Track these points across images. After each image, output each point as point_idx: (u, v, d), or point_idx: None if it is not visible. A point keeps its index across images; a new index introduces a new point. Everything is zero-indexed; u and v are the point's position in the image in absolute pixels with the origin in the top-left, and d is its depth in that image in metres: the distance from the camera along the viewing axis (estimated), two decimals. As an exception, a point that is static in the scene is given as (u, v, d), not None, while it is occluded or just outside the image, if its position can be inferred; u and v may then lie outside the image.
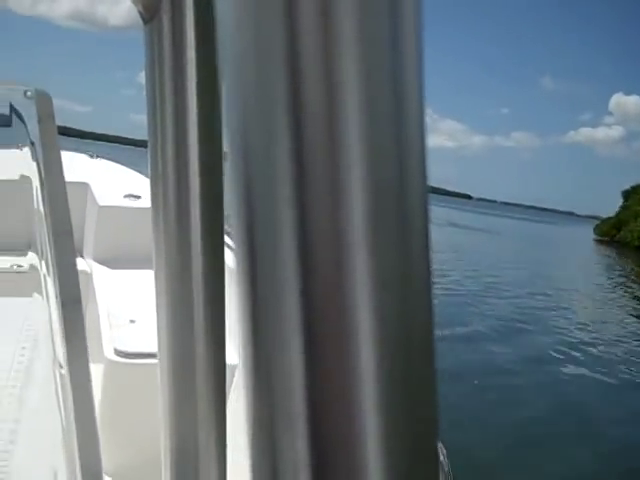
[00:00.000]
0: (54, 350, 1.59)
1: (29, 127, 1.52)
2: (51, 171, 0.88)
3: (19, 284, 2.98)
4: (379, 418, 0.23)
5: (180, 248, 0.65)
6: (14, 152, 3.62)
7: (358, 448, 0.23)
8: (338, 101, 0.22)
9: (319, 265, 0.23)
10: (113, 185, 3.73)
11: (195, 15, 0.56)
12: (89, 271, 3.23)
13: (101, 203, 3.42)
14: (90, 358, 1.75)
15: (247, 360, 0.25)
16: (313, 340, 0.23)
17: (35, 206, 1.44)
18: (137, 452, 2.11)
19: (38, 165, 1.26)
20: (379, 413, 0.23)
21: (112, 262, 3.20)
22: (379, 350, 0.23)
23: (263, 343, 0.24)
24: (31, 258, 3.30)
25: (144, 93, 0.61)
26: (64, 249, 0.56)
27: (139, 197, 3.47)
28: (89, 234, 3.50)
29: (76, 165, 4.08)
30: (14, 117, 1.76)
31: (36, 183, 1.41)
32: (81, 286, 2.74)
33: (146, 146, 0.61)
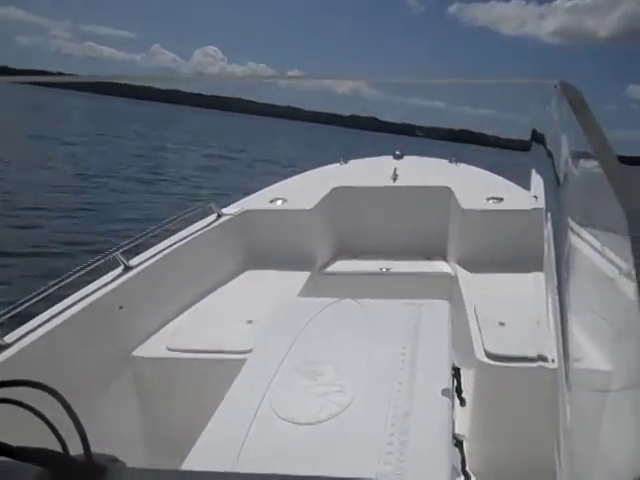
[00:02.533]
0: (449, 351, 1.67)
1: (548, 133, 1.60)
2: (602, 151, 0.86)
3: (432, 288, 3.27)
4: None
5: None
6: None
7: None
8: None
9: None
10: (474, 188, 3.87)
11: None
12: (453, 274, 3.42)
13: (464, 206, 3.57)
14: (460, 359, 1.83)
15: None
16: None
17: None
18: (504, 454, 2.18)
19: (559, 165, 1.30)
20: None
21: (475, 265, 3.33)
22: None
23: None
24: (440, 265, 3.65)
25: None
26: None
27: (501, 199, 3.59)
28: (452, 237, 3.70)
29: (437, 170, 4.39)
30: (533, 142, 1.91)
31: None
32: (447, 288, 2.90)
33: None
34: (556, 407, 0.86)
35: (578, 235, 1.03)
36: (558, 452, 0.88)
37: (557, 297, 1.06)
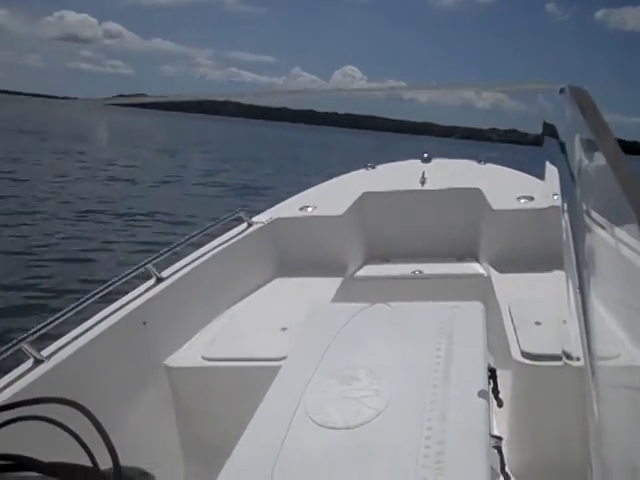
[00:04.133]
0: (485, 352, 1.65)
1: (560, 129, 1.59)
2: (612, 158, 0.86)
3: (466, 289, 3.29)
4: None
5: None
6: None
7: None
8: None
9: None
10: (504, 188, 3.83)
11: None
12: (486, 274, 3.40)
13: (495, 207, 3.56)
14: (497, 361, 1.82)
15: None
16: None
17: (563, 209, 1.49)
18: (541, 455, 2.15)
19: (573, 162, 1.30)
20: None
21: (508, 265, 3.29)
22: None
23: None
24: (473, 266, 3.61)
25: None
26: None
27: (532, 198, 3.54)
28: (484, 238, 3.67)
29: (466, 171, 4.34)
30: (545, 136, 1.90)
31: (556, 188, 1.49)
32: (480, 289, 2.87)
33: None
34: (588, 406, 0.84)
35: (597, 228, 1.02)
36: (588, 452, 0.87)
37: (579, 291, 1.05)
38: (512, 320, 2.48)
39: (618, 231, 0.83)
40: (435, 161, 4.50)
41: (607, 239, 0.92)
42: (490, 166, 4.47)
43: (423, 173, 4.06)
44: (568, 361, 1.43)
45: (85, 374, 1.98)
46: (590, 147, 1.12)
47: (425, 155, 4.51)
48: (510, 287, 2.97)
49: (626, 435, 0.68)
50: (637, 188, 0.71)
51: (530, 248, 3.20)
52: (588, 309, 0.93)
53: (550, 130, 1.85)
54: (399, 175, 4.35)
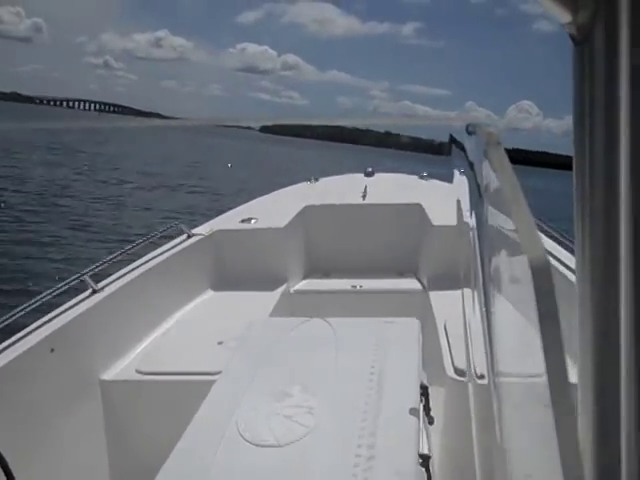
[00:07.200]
0: (418, 369, 1.68)
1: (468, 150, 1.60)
2: (507, 185, 0.87)
3: (401, 305, 3.28)
4: None
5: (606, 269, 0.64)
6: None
7: None
8: None
9: None
10: (445, 204, 3.80)
11: (630, 35, 0.56)
12: (424, 290, 3.43)
13: (435, 223, 3.58)
14: (431, 376, 1.81)
15: None
16: None
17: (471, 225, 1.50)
18: (470, 472, 2.09)
19: (480, 182, 1.31)
20: None
21: (447, 281, 3.25)
22: None
23: None
24: (412, 282, 3.63)
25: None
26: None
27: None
28: (424, 253, 3.70)
29: (408, 186, 4.38)
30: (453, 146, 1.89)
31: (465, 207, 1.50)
32: (418, 305, 2.85)
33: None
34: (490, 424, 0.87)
35: (501, 247, 1.04)
36: (492, 470, 0.89)
37: (483, 308, 1.07)
38: (447, 336, 2.52)
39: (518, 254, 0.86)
40: (378, 175, 4.54)
41: (510, 259, 0.94)
42: (432, 182, 4.53)
43: (365, 187, 4.10)
44: (477, 380, 1.47)
45: (15, 387, 1.93)
46: (494, 183, 1.15)
47: (369, 169, 4.54)
48: (447, 303, 3.01)
49: (524, 456, 0.70)
50: (534, 237, 0.74)
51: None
52: (491, 327, 0.96)
53: (458, 143, 1.87)
54: (341, 189, 4.37)
